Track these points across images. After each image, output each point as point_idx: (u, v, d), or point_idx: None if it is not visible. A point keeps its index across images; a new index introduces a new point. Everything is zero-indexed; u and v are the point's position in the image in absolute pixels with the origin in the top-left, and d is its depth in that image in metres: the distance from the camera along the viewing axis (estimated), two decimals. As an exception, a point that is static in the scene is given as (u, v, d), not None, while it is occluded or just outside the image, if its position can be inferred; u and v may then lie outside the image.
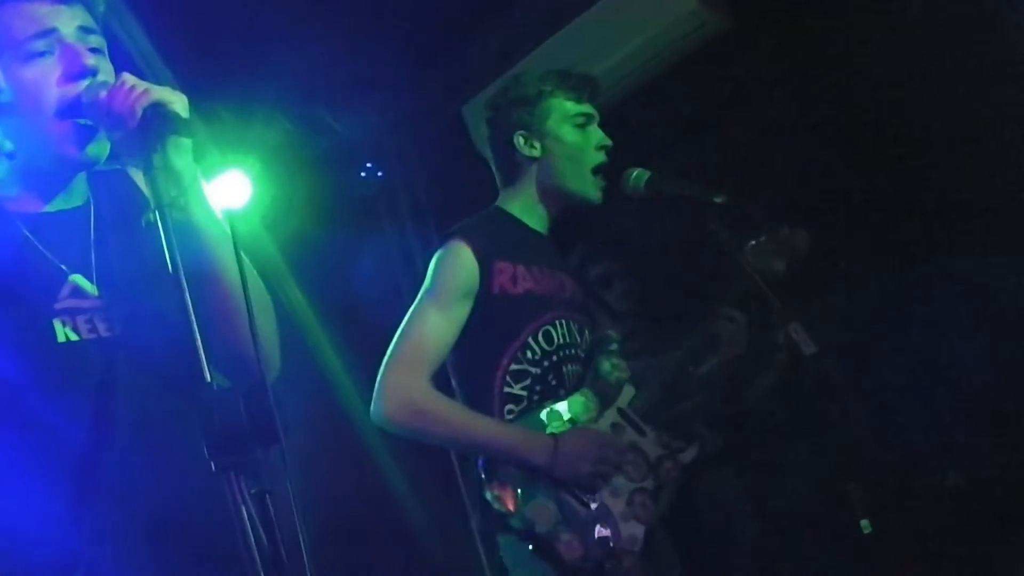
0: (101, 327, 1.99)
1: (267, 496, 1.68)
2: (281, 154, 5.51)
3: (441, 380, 3.10)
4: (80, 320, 1.97)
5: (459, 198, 5.77)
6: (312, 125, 6.04)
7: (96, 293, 2.01)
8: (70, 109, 1.96)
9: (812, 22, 4.95)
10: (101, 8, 2.09)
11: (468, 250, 3.04)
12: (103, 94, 1.90)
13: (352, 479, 5.78)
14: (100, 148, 2.00)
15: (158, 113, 1.85)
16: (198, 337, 1.69)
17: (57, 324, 1.95)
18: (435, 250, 3.13)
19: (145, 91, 1.87)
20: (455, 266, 3.04)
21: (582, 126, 3.19)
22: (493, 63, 5.64)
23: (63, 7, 2.00)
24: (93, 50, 2.02)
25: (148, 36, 4.51)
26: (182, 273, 1.71)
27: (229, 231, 1.85)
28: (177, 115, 1.86)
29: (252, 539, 1.65)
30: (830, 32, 4.93)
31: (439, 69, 5.69)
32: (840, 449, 4.09)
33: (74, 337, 1.96)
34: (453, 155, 5.79)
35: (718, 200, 3.04)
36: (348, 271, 6.03)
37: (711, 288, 3.37)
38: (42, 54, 1.97)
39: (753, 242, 3.43)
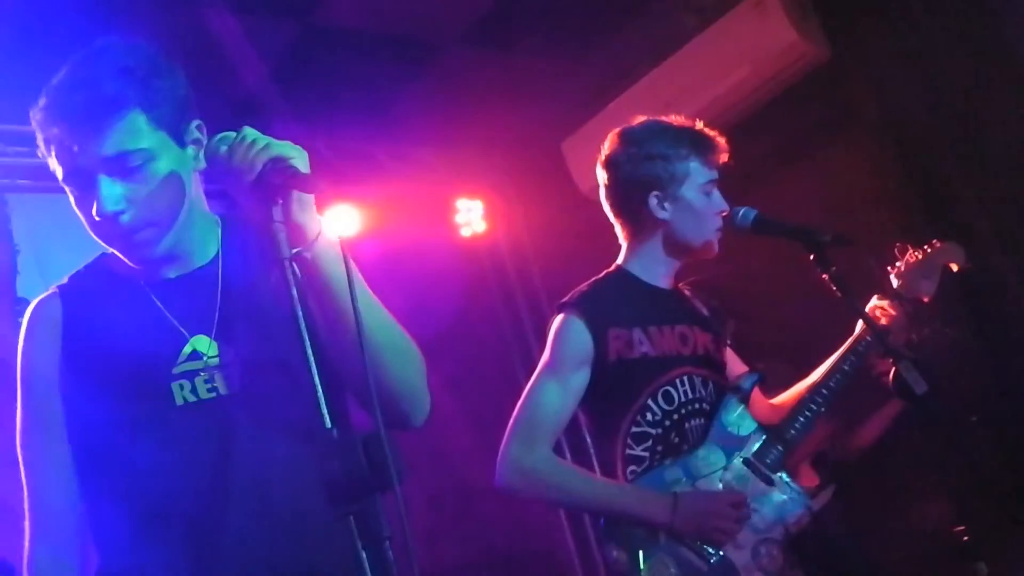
0: (220, 385, 2.03)
1: (386, 543, 1.70)
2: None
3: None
4: (199, 380, 2.01)
5: (561, 239, 5.83)
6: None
7: (215, 352, 2.05)
8: (101, 237, 2.04)
9: (909, 55, 4.92)
10: (160, 94, 2.02)
11: (580, 322, 3.10)
12: (223, 150, 1.93)
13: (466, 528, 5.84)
14: (155, 252, 2.07)
15: (277, 168, 1.86)
16: (319, 386, 1.71)
17: (175, 388, 2.00)
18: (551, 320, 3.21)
19: (265, 146, 1.89)
20: (568, 338, 3.11)
21: (708, 193, 3.19)
22: (592, 97, 5.68)
23: (95, 146, 1.95)
24: (130, 171, 1.98)
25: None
26: (302, 323, 1.73)
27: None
28: (297, 170, 1.86)
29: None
30: (927, 66, 4.89)
31: (538, 103, 5.73)
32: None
33: (192, 399, 2.00)
34: (554, 192, 5.84)
35: (825, 239, 2.98)
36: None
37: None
38: (75, 194, 2.02)
39: (899, 263, 3.39)
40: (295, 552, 1.99)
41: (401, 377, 2.01)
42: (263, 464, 1.98)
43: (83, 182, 1.98)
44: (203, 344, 2.05)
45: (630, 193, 3.23)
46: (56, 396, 2.05)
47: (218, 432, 2.00)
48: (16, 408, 2.12)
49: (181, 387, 2.00)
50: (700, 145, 3.21)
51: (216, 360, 2.04)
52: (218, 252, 2.16)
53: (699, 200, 3.17)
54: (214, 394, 2.02)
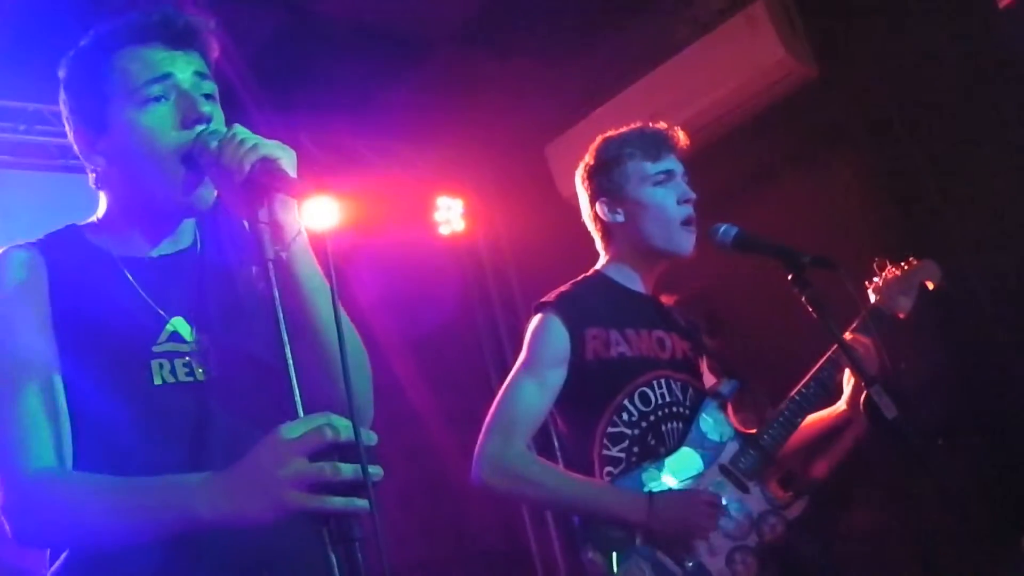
0: (199, 371, 2.01)
1: (356, 544, 1.69)
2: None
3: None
4: (178, 363, 1.99)
5: (539, 242, 5.83)
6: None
7: (193, 337, 2.03)
8: (186, 156, 1.98)
9: (898, 73, 4.94)
10: (215, 54, 2.12)
11: (557, 320, 3.13)
12: (213, 145, 1.92)
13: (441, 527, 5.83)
14: (210, 193, 2.03)
15: (266, 169, 1.84)
16: (296, 389, 1.71)
17: (155, 366, 1.97)
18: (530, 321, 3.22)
19: (254, 146, 1.87)
20: (545, 337, 3.14)
21: (662, 183, 3.19)
22: (579, 102, 5.68)
23: (179, 53, 2.03)
24: (207, 96, 2.04)
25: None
26: (283, 326, 1.72)
27: (329, 285, 1.82)
28: (284, 172, 1.85)
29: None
30: (914, 84, 4.91)
31: (525, 105, 5.73)
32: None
33: (171, 379, 1.97)
34: (535, 195, 5.84)
35: (805, 260, 2.97)
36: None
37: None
38: (158, 99, 1.99)
39: (877, 279, 3.41)
40: (263, 540, 1.96)
41: (357, 388, 1.93)
42: (237, 452, 1.91)
43: (168, 89, 2.01)
44: (183, 328, 2.04)
45: (588, 205, 3.32)
46: (52, 343, 1.96)
47: (195, 417, 1.98)
48: None
49: (160, 366, 1.98)
50: (641, 141, 3.25)
51: (195, 346, 2.03)
52: (195, 240, 2.15)
53: (650, 195, 3.19)
54: (191, 378, 2.00)
